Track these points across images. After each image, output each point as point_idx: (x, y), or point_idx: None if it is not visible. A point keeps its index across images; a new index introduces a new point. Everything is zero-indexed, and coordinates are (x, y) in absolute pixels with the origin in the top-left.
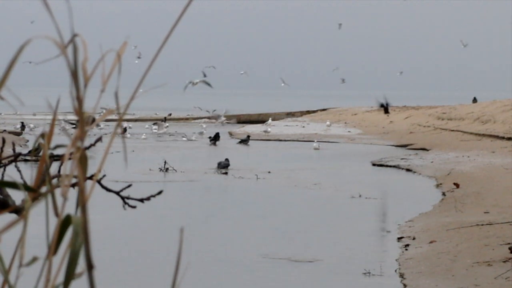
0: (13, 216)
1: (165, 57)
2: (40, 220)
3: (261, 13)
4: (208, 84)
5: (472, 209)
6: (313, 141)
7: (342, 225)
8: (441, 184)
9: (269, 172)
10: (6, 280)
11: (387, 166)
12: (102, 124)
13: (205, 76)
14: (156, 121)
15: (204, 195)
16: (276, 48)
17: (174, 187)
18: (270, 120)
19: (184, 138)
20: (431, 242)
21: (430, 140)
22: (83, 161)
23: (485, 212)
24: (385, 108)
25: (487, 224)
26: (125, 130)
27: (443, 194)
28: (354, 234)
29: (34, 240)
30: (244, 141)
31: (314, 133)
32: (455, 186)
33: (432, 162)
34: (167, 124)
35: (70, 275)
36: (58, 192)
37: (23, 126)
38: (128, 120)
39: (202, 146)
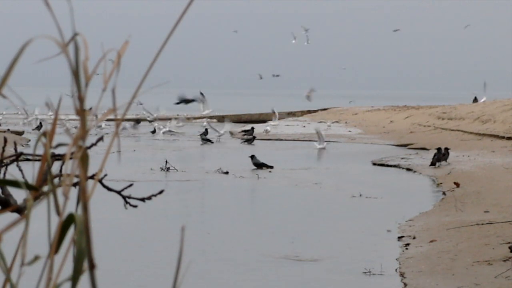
0: (15, 216)
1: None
2: (41, 219)
3: (261, 14)
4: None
5: (472, 209)
6: (313, 141)
7: (343, 225)
8: (441, 183)
9: (269, 171)
10: (8, 279)
11: (387, 165)
12: (103, 124)
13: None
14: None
15: (205, 195)
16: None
17: (175, 186)
18: (276, 120)
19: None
20: (431, 241)
21: (431, 139)
22: (84, 160)
23: (485, 212)
24: None
25: (487, 223)
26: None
27: (444, 193)
28: (354, 234)
29: (35, 239)
30: (249, 140)
31: (315, 132)
32: (455, 186)
33: None
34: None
35: (78, 271)
36: (59, 191)
37: (40, 125)
38: (128, 120)
39: (203, 145)
